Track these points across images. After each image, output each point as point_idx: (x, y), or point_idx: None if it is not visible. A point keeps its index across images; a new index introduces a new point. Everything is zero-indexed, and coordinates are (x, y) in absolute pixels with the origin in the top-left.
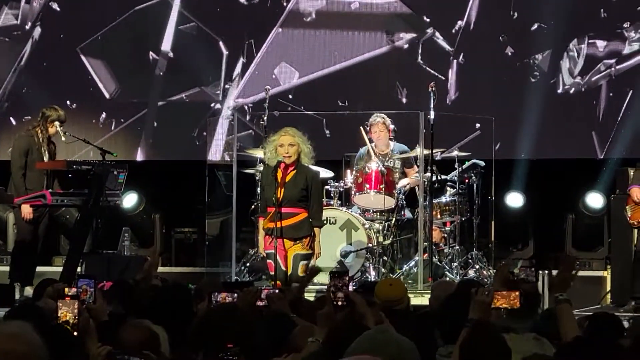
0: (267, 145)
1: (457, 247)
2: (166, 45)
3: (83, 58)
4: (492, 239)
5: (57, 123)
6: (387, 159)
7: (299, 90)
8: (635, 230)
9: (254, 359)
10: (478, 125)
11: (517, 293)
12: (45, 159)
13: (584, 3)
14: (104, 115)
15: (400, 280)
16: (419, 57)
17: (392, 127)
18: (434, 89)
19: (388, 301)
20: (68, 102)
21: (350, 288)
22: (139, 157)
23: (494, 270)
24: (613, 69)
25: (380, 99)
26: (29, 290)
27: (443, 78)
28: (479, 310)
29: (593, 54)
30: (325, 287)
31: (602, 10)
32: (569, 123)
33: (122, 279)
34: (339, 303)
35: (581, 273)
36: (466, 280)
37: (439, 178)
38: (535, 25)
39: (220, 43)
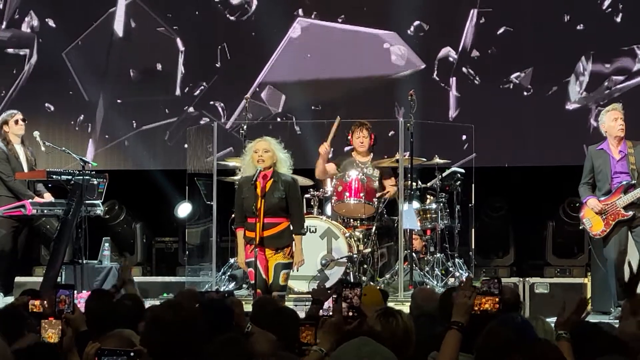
0: (245, 154)
1: (438, 254)
2: (136, 47)
3: (67, 62)
4: (473, 247)
5: (18, 118)
6: (366, 166)
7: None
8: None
9: None
10: (464, 137)
11: (497, 299)
12: (25, 165)
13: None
14: (81, 117)
15: (376, 288)
16: (434, 74)
17: (373, 135)
18: (413, 97)
19: None
20: (46, 105)
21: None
22: (118, 165)
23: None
24: (615, 86)
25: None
26: (9, 300)
27: (458, 95)
28: (460, 313)
29: (600, 71)
30: (305, 296)
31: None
32: (560, 133)
33: (101, 288)
34: (350, 314)
35: (562, 280)
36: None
37: (419, 186)
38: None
39: (178, 40)
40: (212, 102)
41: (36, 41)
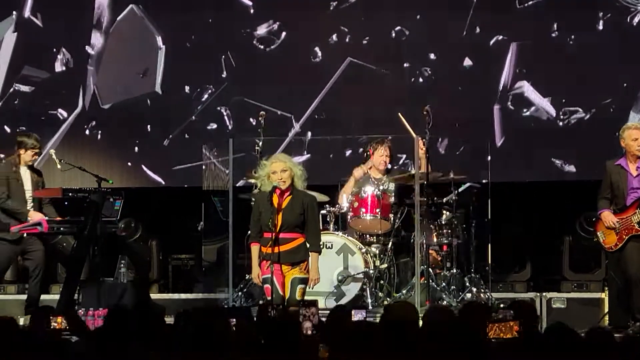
0: (260, 170)
1: (454, 270)
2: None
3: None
4: (489, 262)
5: (36, 152)
6: (382, 182)
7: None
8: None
9: None
10: (489, 157)
11: (516, 322)
12: (26, 187)
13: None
14: (93, 123)
15: (413, 304)
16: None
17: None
18: (429, 112)
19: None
20: (60, 110)
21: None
22: (134, 183)
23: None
24: None
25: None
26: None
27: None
28: None
29: None
30: (322, 312)
31: None
32: (580, 149)
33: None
34: (308, 332)
35: (579, 295)
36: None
37: (434, 201)
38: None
39: (159, 38)
40: (218, 108)
41: (81, 90)
